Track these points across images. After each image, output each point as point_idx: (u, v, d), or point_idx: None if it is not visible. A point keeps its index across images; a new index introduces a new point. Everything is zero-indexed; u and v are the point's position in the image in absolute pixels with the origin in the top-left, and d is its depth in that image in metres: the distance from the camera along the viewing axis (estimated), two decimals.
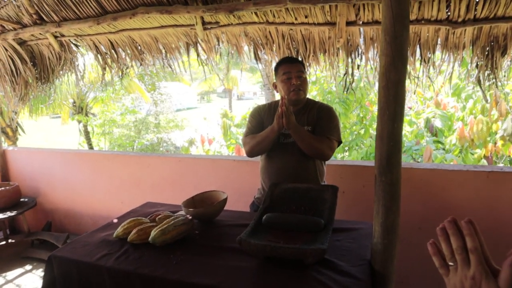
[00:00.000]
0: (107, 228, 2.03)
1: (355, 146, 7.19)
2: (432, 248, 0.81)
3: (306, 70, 2.17)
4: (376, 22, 2.62)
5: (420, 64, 2.78)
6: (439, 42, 2.69)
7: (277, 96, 2.34)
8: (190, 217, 1.91)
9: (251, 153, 2.19)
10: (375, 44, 2.77)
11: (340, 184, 2.64)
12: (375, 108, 7.56)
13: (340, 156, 6.98)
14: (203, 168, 3.26)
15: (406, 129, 7.22)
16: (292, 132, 1.98)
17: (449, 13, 2.48)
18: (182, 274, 1.51)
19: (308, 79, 2.16)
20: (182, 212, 2.07)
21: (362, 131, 7.20)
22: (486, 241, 0.77)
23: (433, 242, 0.81)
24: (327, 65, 3.01)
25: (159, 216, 1.95)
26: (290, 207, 1.86)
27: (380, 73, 1.40)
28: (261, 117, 2.25)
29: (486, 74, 2.71)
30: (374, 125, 6.94)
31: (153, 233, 1.75)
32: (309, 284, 1.40)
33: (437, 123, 6.69)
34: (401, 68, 1.35)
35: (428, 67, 2.79)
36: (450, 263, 0.77)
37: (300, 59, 2.95)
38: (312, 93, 7.19)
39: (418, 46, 2.75)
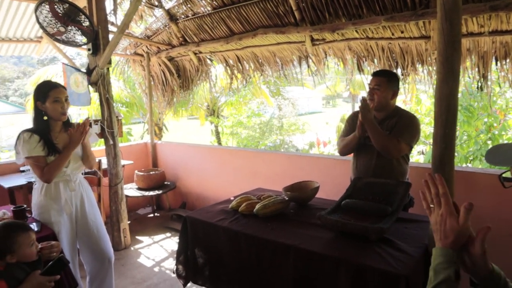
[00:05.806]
0: (224, 202, 2.68)
1: (480, 156, 6.72)
2: (422, 195, 1.15)
3: (391, 81, 2.45)
4: (472, 34, 2.77)
5: None
6: None
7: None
8: (287, 198, 2.42)
9: (340, 152, 2.62)
10: (472, 55, 2.89)
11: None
12: (508, 116, 6.94)
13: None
14: (308, 164, 3.75)
15: None
16: (366, 126, 2.32)
17: None
18: (273, 236, 2.03)
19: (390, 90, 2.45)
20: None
21: (489, 141, 6.71)
22: None
23: (422, 192, 1.15)
24: (425, 75, 3.22)
25: (264, 196, 2.51)
26: (367, 197, 2.22)
27: (435, 87, 1.71)
28: (353, 122, 2.63)
29: None
30: (506, 135, 6.41)
31: (257, 206, 2.31)
32: (369, 254, 1.78)
33: None
34: (451, 84, 1.63)
35: None
36: (431, 205, 1.11)
37: (399, 70, 3.23)
38: None
39: None
